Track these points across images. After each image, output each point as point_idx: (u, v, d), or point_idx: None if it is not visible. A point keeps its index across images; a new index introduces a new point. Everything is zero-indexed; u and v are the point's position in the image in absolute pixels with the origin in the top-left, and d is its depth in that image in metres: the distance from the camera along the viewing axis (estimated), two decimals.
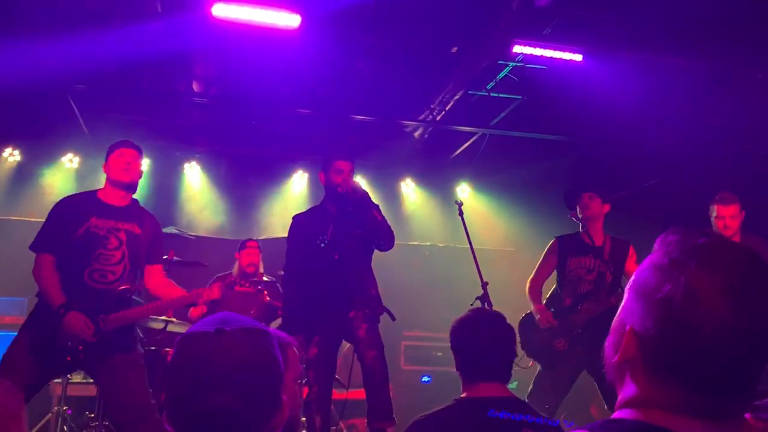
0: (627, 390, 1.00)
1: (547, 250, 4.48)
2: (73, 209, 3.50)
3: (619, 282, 4.34)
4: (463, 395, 2.25)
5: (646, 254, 1.03)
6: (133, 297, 3.61)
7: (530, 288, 4.42)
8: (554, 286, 4.49)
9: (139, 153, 3.65)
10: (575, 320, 4.19)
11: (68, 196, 3.63)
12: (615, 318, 1.04)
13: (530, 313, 4.40)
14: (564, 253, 4.37)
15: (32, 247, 3.46)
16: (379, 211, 4.01)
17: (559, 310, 4.30)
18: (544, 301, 4.42)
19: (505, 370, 2.26)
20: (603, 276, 4.26)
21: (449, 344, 2.37)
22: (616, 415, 0.99)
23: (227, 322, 1.14)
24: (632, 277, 1.02)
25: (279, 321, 5.21)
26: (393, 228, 4.03)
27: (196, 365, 1.09)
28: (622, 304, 1.03)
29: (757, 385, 0.94)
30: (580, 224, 4.40)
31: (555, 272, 4.47)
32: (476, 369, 2.23)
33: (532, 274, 4.48)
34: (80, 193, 3.66)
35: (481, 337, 2.26)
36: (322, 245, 3.83)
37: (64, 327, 3.27)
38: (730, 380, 0.92)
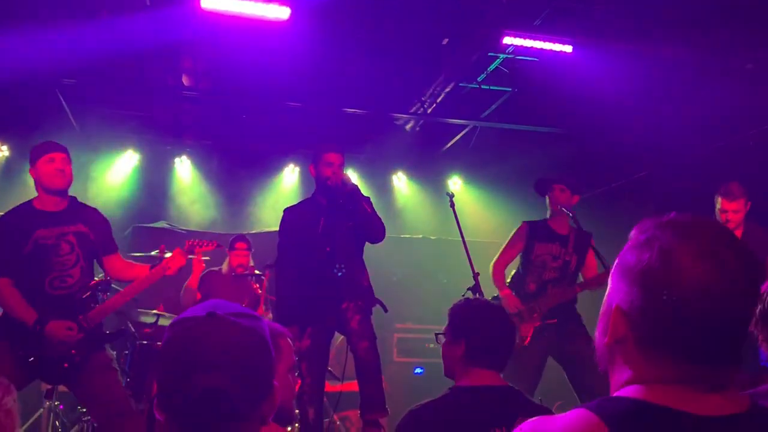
0: (620, 372, 1.02)
1: (515, 233, 4.48)
2: (14, 227, 3.39)
3: (578, 273, 4.41)
4: (458, 384, 2.26)
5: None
6: (108, 288, 3.60)
7: (495, 271, 4.41)
8: (514, 271, 4.51)
9: (68, 154, 3.51)
10: (540, 305, 4.22)
11: (4, 215, 3.50)
12: (603, 304, 1.06)
13: (495, 297, 4.38)
14: (532, 238, 4.40)
15: None
16: (370, 203, 4.01)
17: (522, 295, 4.31)
18: (508, 284, 4.45)
19: (505, 361, 2.28)
20: (568, 264, 4.32)
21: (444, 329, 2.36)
22: (614, 394, 1.01)
23: (218, 307, 1.15)
24: (615, 262, 1.05)
25: (270, 315, 5.21)
26: (384, 221, 4.04)
27: (188, 348, 1.09)
28: (608, 289, 1.06)
29: (742, 352, 0.97)
30: (548, 212, 4.46)
31: (519, 256, 4.48)
32: (479, 354, 2.23)
33: (497, 256, 4.46)
34: (15, 209, 3.51)
35: (491, 323, 2.27)
36: (314, 238, 3.84)
37: (48, 339, 3.26)
38: (716, 345, 0.94)
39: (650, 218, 1.02)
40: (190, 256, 3.79)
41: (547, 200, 4.45)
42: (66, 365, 3.33)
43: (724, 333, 0.94)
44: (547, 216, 4.48)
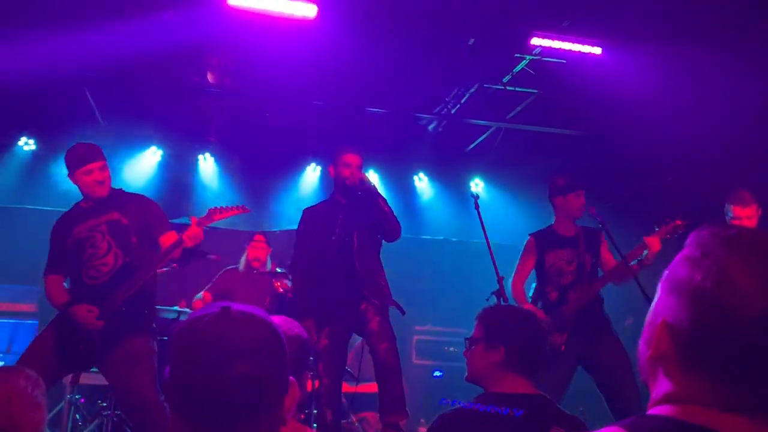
0: (660, 386, 0.97)
1: (525, 249, 4.42)
2: (60, 228, 3.66)
3: (597, 270, 4.33)
4: (492, 390, 2.23)
5: (672, 251, 1.01)
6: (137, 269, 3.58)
7: (515, 290, 4.33)
8: (534, 284, 4.45)
9: (104, 159, 3.58)
10: (565, 312, 4.14)
11: (59, 218, 3.74)
12: (648, 314, 1.02)
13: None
14: (541, 249, 4.34)
15: (44, 277, 3.65)
16: (386, 202, 4.03)
17: (547, 305, 4.25)
18: (530, 301, 4.37)
19: (538, 369, 2.28)
20: (583, 265, 4.25)
21: (477, 334, 2.32)
22: (650, 411, 0.97)
23: (234, 305, 1.15)
24: (665, 273, 1.00)
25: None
26: (405, 222, 4.06)
27: (212, 337, 1.08)
28: (655, 299, 1.02)
29: None
30: (555, 216, 4.38)
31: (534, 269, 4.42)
32: (518, 361, 2.22)
33: (513, 275, 4.39)
34: (66, 212, 3.75)
35: (529, 331, 2.28)
36: (333, 237, 3.85)
37: (73, 320, 3.38)
38: (763, 370, 0.88)
39: (708, 229, 0.97)
40: (210, 224, 3.71)
41: (557, 206, 4.38)
42: (81, 347, 3.39)
43: None
44: (553, 221, 4.42)
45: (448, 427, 2.12)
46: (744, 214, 4.15)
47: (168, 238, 3.62)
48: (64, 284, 3.63)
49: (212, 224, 3.73)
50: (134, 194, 3.80)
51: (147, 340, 3.53)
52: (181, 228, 7.11)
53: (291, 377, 1.16)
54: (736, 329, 0.88)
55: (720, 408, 0.90)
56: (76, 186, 3.64)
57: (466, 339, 2.38)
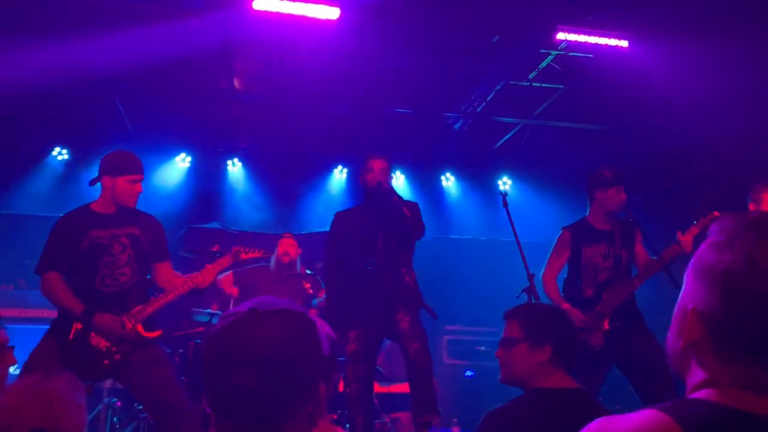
0: (695, 374, 0.97)
1: (558, 242, 4.25)
2: (72, 226, 3.58)
3: (631, 265, 4.19)
4: (536, 386, 2.23)
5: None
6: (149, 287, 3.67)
7: (547, 285, 4.18)
8: (564, 277, 4.32)
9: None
10: (603, 311, 4.04)
11: (64, 215, 3.68)
12: (677, 305, 1.02)
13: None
14: (577, 243, 4.18)
15: (36, 270, 3.55)
16: (414, 208, 4.06)
17: (580, 302, 4.09)
18: (562, 295, 4.25)
19: (575, 362, 2.31)
20: (619, 260, 4.10)
21: (515, 333, 2.32)
22: (688, 396, 0.97)
23: (262, 304, 1.14)
24: (691, 261, 1.01)
25: (317, 313, 5.24)
26: (433, 221, 4.06)
27: (224, 344, 1.09)
28: (682, 289, 1.02)
29: None
30: (589, 210, 4.25)
31: (567, 263, 4.30)
32: (564, 357, 2.25)
33: (544, 269, 4.23)
34: (75, 210, 3.69)
35: (571, 327, 2.34)
36: (360, 241, 3.90)
37: (95, 329, 3.37)
38: None
39: (731, 216, 0.98)
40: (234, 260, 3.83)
41: (596, 199, 4.19)
42: (106, 362, 3.40)
43: None
44: (588, 214, 4.26)
45: (496, 424, 2.12)
46: None
47: (164, 268, 3.72)
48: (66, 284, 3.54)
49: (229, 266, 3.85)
50: (148, 214, 3.83)
51: (161, 348, 3.58)
52: (214, 233, 7.20)
53: (322, 383, 1.15)
54: (763, 309, 0.88)
55: (755, 390, 0.90)
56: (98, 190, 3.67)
57: (503, 339, 2.36)
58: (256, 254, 3.89)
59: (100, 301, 3.44)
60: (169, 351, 3.85)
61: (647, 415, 0.90)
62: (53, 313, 3.75)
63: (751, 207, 4.21)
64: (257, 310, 1.11)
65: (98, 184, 3.64)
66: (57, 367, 3.24)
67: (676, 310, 1.02)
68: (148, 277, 3.72)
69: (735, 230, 0.95)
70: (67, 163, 7.82)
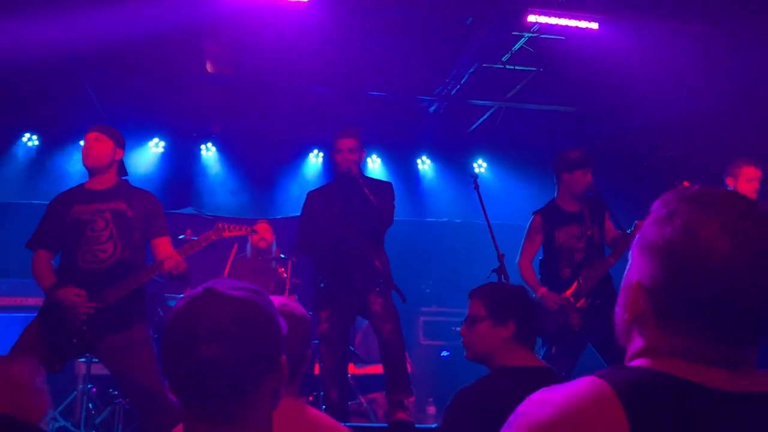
0: (635, 344, 1.01)
1: (530, 228, 4.29)
2: (59, 203, 3.59)
3: (603, 242, 4.25)
4: (502, 364, 2.27)
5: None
6: (139, 270, 3.54)
7: (525, 272, 4.22)
8: (540, 260, 4.35)
9: (101, 133, 3.61)
10: (580, 290, 4.11)
11: (59, 194, 3.70)
12: (623, 280, 1.05)
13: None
14: (549, 227, 4.22)
15: (27, 245, 3.59)
16: (386, 191, 4.03)
17: (558, 284, 4.15)
18: (539, 279, 4.29)
19: (536, 339, 2.38)
20: (591, 239, 4.16)
21: (478, 311, 2.35)
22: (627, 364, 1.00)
23: (218, 283, 1.16)
24: (636, 236, 1.03)
25: (296, 297, 5.26)
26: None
27: (184, 322, 1.10)
28: (628, 264, 1.04)
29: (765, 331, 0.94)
30: (557, 192, 4.29)
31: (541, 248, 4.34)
32: (527, 335, 2.29)
33: (519, 256, 4.27)
34: (68, 189, 3.70)
35: (533, 305, 2.38)
36: (331, 221, 3.90)
37: (60, 303, 3.32)
38: (737, 322, 0.92)
39: (672, 191, 1.00)
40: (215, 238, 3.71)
41: (562, 181, 4.24)
42: (75, 340, 3.34)
43: (748, 310, 0.91)
44: (556, 196, 4.30)
45: (467, 402, 2.16)
46: (756, 175, 4.15)
47: (160, 244, 3.62)
48: (53, 263, 3.55)
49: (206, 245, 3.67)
50: (142, 190, 3.75)
51: (143, 327, 3.50)
52: (188, 219, 7.16)
53: (282, 356, 1.17)
54: (703, 280, 0.91)
55: (689, 359, 0.93)
56: (83, 168, 3.65)
57: (467, 317, 2.39)
58: (240, 231, 3.77)
59: (81, 279, 3.38)
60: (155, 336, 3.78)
61: (584, 381, 0.93)
62: (26, 301, 3.72)
63: (729, 182, 4.27)
64: (213, 288, 1.13)
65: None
66: (39, 347, 3.29)
67: (622, 284, 1.05)
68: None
69: (675, 204, 0.97)
70: (37, 149, 7.70)
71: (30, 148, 7.70)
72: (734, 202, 0.95)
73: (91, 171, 3.60)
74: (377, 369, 5.86)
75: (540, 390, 0.99)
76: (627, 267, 1.05)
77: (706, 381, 0.91)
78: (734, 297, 0.90)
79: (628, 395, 0.88)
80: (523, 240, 4.33)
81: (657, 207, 1.01)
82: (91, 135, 3.59)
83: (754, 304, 0.91)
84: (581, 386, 0.93)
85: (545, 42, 5.94)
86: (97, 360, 5.07)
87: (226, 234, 3.68)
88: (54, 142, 7.66)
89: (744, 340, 0.94)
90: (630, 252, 1.05)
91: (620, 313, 1.03)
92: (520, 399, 2.04)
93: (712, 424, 0.87)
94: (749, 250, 0.90)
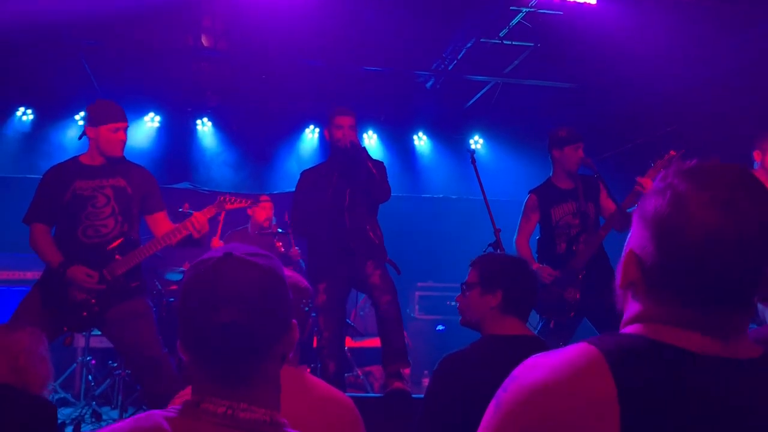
0: (629, 310, 1.04)
1: (526, 207, 4.33)
2: (57, 177, 3.57)
3: (599, 219, 4.30)
4: (491, 332, 2.30)
5: None
6: (137, 245, 3.57)
7: (521, 248, 4.29)
8: (538, 238, 4.41)
9: (128, 122, 3.65)
10: (575, 265, 4.16)
11: (52, 167, 3.68)
12: (624, 247, 1.07)
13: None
14: (545, 205, 4.27)
15: (24, 220, 3.58)
16: (375, 164, 4.06)
17: (555, 259, 4.21)
18: (536, 256, 4.34)
19: (529, 311, 2.35)
20: (586, 215, 4.20)
21: (471, 279, 2.37)
22: (620, 331, 1.03)
23: (235, 248, 1.18)
24: (636, 208, 1.06)
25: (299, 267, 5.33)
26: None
27: (205, 285, 1.12)
28: (630, 233, 1.07)
29: (753, 300, 0.96)
30: (552, 170, 4.33)
31: (538, 226, 4.37)
32: (515, 304, 2.29)
33: (516, 235, 4.33)
34: (63, 162, 3.69)
35: (524, 275, 2.35)
36: (327, 197, 3.93)
37: (69, 282, 3.35)
38: (724, 292, 0.94)
39: (674, 166, 1.03)
40: (219, 211, 3.72)
41: (555, 158, 4.29)
42: (84, 314, 3.39)
43: (733, 279, 0.93)
44: (551, 174, 4.35)
45: (452, 368, 2.19)
46: None
47: (158, 219, 3.65)
48: (50, 236, 3.55)
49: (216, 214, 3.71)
50: (137, 165, 3.77)
51: (143, 299, 3.55)
52: (184, 193, 7.16)
53: (293, 320, 1.20)
54: (689, 250, 0.93)
55: (681, 327, 0.96)
56: (78, 143, 3.65)
57: (462, 284, 2.44)
58: (242, 204, 3.78)
59: (82, 254, 3.41)
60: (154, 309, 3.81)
61: (575, 347, 0.96)
62: (23, 275, 3.72)
63: (756, 156, 4.25)
64: (232, 253, 1.15)
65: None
66: (40, 317, 3.30)
67: (623, 252, 1.07)
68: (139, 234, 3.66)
69: (671, 177, 0.99)
70: (32, 123, 7.66)
71: (25, 123, 7.66)
72: (725, 174, 0.97)
73: (114, 160, 3.61)
74: (373, 342, 5.93)
75: (534, 355, 1.02)
76: (629, 235, 1.07)
77: (695, 347, 0.94)
78: (721, 269, 0.93)
79: (616, 360, 0.91)
80: (519, 218, 4.38)
81: (657, 180, 1.03)
82: (125, 125, 3.60)
83: (741, 276, 0.93)
84: (572, 352, 0.96)
85: (543, 17, 5.91)
86: (96, 333, 5.13)
87: (228, 207, 3.70)
88: (49, 116, 7.62)
89: (731, 309, 0.96)
90: (632, 219, 1.07)
91: (618, 279, 1.06)
92: (504, 366, 2.08)
93: (700, 389, 0.90)
94: (735, 221, 0.92)
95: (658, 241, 0.97)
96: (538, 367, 0.97)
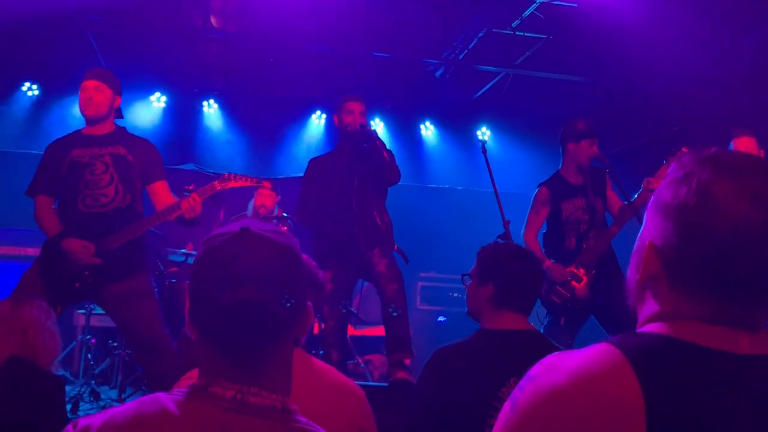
0: (648, 307, 0.99)
1: (536, 200, 4.25)
2: (56, 148, 3.54)
3: (605, 212, 4.25)
4: (486, 326, 2.24)
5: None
6: (138, 217, 3.50)
7: (529, 241, 4.20)
8: (544, 233, 4.34)
9: (102, 81, 3.51)
10: (586, 261, 4.11)
11: (55, 139, 3.63)
12: (636, 241, 1.04)
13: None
14: (556, 200, 4.20)
15: (26, 192, 3.55)
16: (385, 147, 4.04)
17: (563, 254, 4.16)
18: (543, 250, 4.29)
19: (531, 305, 2.25)
20: (594, 210, 4.15)
21: (473, 269, 2.31)
22: (639, 330, 0.98)
23: (253, 224, 1.13)
24: (651, 198, 1.02)
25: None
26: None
27: (221, 261, 1.07)
28: (642, 225, 1.03)
29: None
30: (562, 163, 4.27)
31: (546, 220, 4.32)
32: (507, 297, 2.19)
33: (525, 229, 4.24)
34: (67, 134, 3.64)
35: (520, 267, 2.23)
36: (335, 183, 3.86)
37: (65, 253, 3.29)
38: (751, 284, 0.90)
39: (690, 154, 0.98)
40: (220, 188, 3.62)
41: (568, 151, 4.22)
42: (77, 285, 3.32)
43: (761, 269, 0.89)
44: (560, 167, 4.28)
45: (443, 361, 2.14)
46: (749, 144, 4.12)
47: (158, 189, 3.57)
48: (53, 207, 3.50)
49: (218, 191, 3.60)
50: (140, 137, 3.70)
51: (145, 278, 3.47)
52: (189, 175, 7.12)
53: (309, 302, 1.16)
54: (717, 242, 0.89)
55: (706, 322, 0.92)
56: (83, 119, 3.58)
57: (463, 275, 2.38)
58: (246, 182, 3.70)
59: (82, 224, 3.35)
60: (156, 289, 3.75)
61: (596, 349, 0.92)
62: (25, 251, 3.67)
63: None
64: (249, 229, 1.10)
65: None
66: (41, 292, 3.24)
67: (635, 246, 1.03)
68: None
69: (691, 165, 0.95)
70: (37, 99, 7.61)
71: (30, 98, 7.61)
72: (753, 164, 0.93)
73: (90, 121, 3.55)
74: (375, 331, 5.91)
75: (551, 355, 0.97)
76: (640, 229, 1.03)
77: (721, 345, 0.90)
78: (749, 260, 0.89)
79: (641, 363, 0.87)
80: (528, 212, 4.31)
81: (673, 169, 0.99)
82: (90, 84, 3.50)
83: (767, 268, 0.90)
84: (593, 353, 0.91)
85: (557, 8, 5.84)
86: (96, 311, 5.11)
87: (231, 184, 3.62)
88: (54, 92, 7.56)
89: (760, 302, 0.92)
90: (645, 213, 1.03)
91: (632, 275, 1.02)
92: (502, 361, 2.04)
93: (728, 388, 0.86)
94: (765, 214, 0.88)
95: (682, 232, 0.92)
96: (556, 370, 0.92)
